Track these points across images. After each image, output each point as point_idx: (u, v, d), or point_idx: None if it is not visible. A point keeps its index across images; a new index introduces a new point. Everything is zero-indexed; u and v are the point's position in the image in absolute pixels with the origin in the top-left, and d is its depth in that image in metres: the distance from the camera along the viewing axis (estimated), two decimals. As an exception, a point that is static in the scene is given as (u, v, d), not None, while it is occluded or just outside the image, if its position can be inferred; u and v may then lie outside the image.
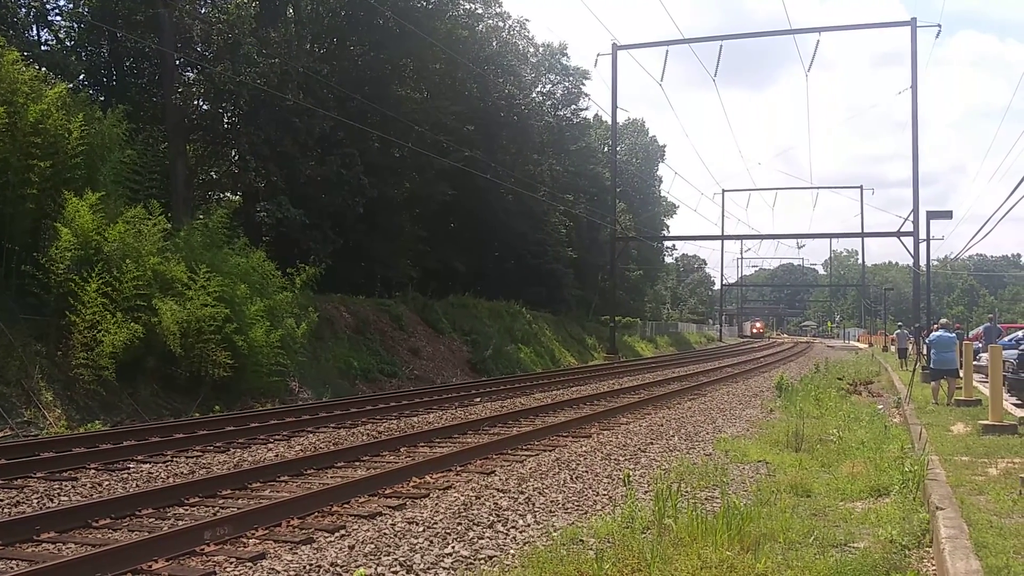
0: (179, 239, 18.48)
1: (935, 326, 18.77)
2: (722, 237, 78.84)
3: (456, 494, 9.06)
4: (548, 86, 53.37)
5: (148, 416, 15.73)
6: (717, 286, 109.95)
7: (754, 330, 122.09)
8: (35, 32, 25.00)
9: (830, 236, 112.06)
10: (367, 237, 30.54)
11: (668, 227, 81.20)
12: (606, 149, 60.31)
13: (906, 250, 38.01)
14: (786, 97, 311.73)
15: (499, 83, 40.71)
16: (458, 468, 10.72)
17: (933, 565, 6.14)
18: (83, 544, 7.09)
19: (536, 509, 8.35)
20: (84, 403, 14.91)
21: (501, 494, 9.00)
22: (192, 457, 11.61)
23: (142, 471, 10.50)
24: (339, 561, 6.46)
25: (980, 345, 23.45)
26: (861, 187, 74.31)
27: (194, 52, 25.68)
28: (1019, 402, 16.98)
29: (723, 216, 78.97)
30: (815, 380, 23.33)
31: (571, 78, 53.29)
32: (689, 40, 40.04)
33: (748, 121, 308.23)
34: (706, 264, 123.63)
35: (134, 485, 9.65)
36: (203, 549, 6.85)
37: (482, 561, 6.54)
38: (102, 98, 24.39)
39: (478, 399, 20.15)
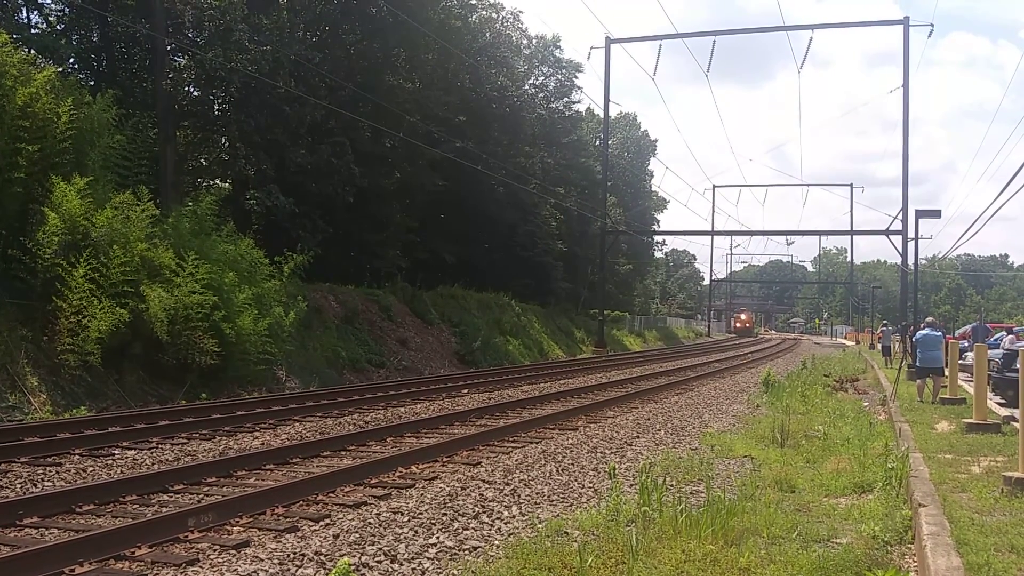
0: (167, 225, 18.38)
1: (922, 324, 18.87)
2: (712, 232, 79.16)
3: (442, 484, 9.06)
4: (541, 78, 53.32)
5: (134, 403, 15.67)
6: (706, 281, 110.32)
7: (739, 324, 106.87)
8: (25, 15, 24.82)
9: (819, 233, 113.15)
10: (357, 226, 30.46)
11: (658, 222, 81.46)
12: (597, 143, 60.30)
13: (894, 248, 38.22)
14: (779, 94, 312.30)
15: (491, 74, 40.62)
16: (444, 459, 10.72)
17: (915, 561, 6.17)
18: (66, 529, 7.07)
19: (521, 501, 8.36)
20: (69, 388, 14.84)
21: (487, 485, 9.01)
22: (177, 444, 11.58)
23: (127, 457, 10.46)
24: (323, 550, 6.46)
25: (967, 344, 23.61)
26: (851, 185, 74.47)
27: (185, 38, 25.53)
28: (1003, 401, 17.08)
29: (713, 211, 79.12)
30: (801, 376, 23.44)
31: (564, 71, 53.21)
32: (683, 35, 40.07)
33: (740, 117, 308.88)
34: (695, 259, 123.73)
35: (118, 471, 9.61)
36: (187, 536, 6.83)
37: (466, 552, 6.55)
38: (92, 82, 24.24)
39: (465, 390, 20.14)
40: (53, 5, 25.62)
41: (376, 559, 6.28)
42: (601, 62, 43.69)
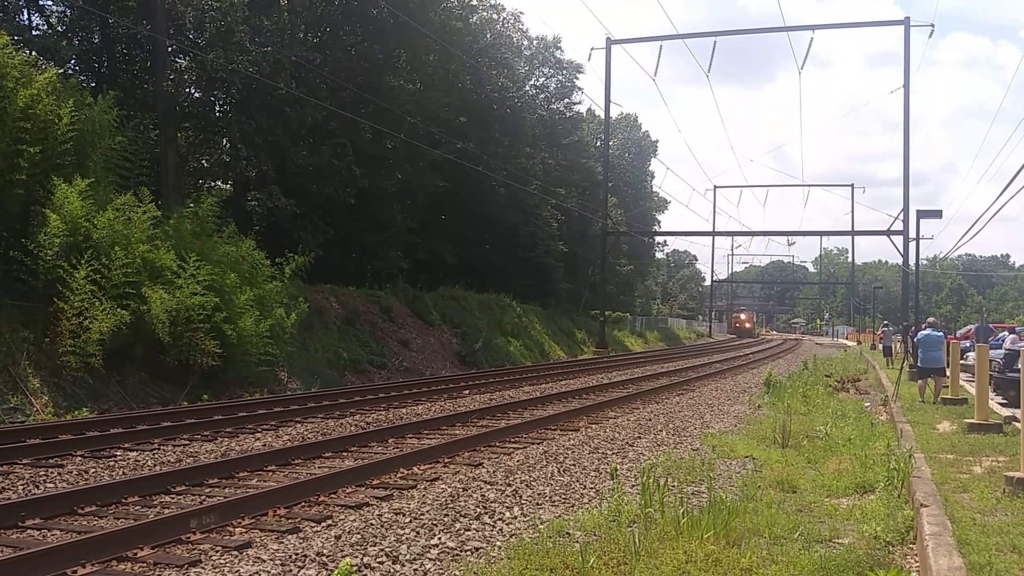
0: (169, 227, 18.39)
1: (923, 325, 18.87)
2: (713, 233, 79.13)
3: (443, 486, 9.07)
4: (541, 79, 53.32)
5: (136, 404, 15.68)
6: (708, 282, 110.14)
7: (738, 324, 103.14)
8: (26, 16, 24.87)
9: (820, 234, 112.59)
10: (358, 227, 30.48)
11: (659, 222, 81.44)
12: (598, 143, 60.32)
13: (896, 249, 38.20)
14: (780, 94, 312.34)
15: (492, 75, 40.63)
16: (446, 460, 10.73)
17: (917, 561, 6.17)
18: (68, 531, 7.07)
19: (523, 501, 8.37)
20: (71, 390, 14.84)
21: (488, 486, 9.01)
22: (179, 445, 11.58)
23: (129, 459, 10.47)
24: (325, 551, 6.46)
25: (969, 344, 23.61)
26: (852, 185, 74.44)
27: (186, 39, 25.55)
28: (1004, 401, 17.08)
29: (714, 212, 79.15)
30: (803, 377, 23.42)
31: (564, 72, 53.22)
32: (683, 36, 40.08)
33: (741, 117, 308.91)
34: (697, 260, 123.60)
35: (120, 473, 9.62)
36: (189, 537, 6.83)
37: (468, 553, 6.55)
38: (93, 84, 24.26)
39: (467, 391, 20.14)
40: (54, 7, 25.69)
41: (378, 560, 6.29)
42: (602, 63, 43.81)
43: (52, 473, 9.43)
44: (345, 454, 11.15)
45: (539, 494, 8.71)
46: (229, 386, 18.17)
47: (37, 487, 8.78)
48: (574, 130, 55.38)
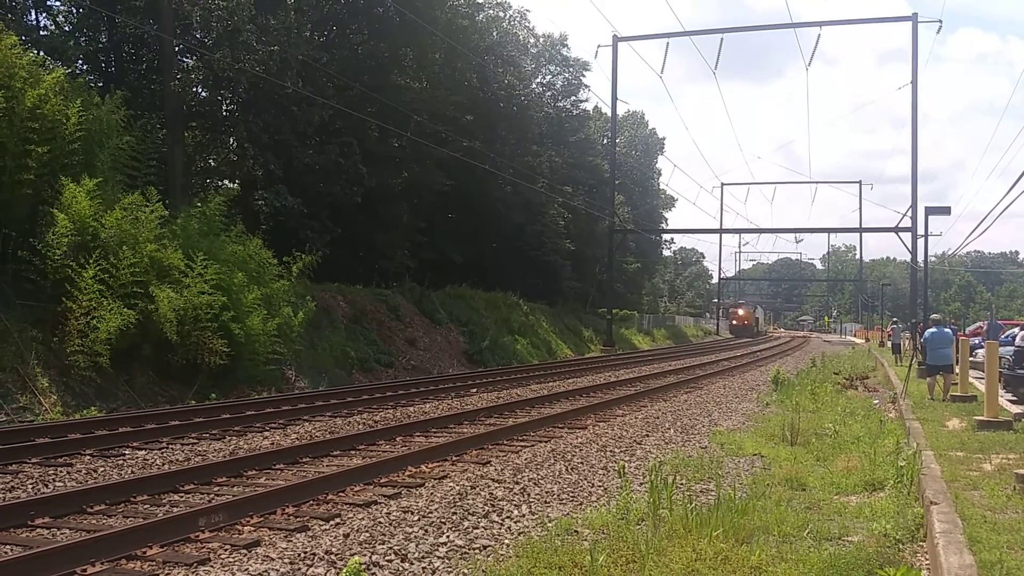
0: (176, 226, 18.43)
1: (930, 322, 18.80)
2: (720, 231, 78.97)
3: (451, 484, 9.07)
4: (548, 77, 53.21)
5: (144, 403, 15.72)
6: (715, 279, 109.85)
7: (735, 321, 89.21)
8: (34, 16, 24.93)
9: (828, 231, 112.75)
10: (365, 226, 30.48)
11: (667, 220, 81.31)
12: (605, 141, 60.19)
13: (904, 246, 38.08)
14: (787, 91, 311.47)
15: (499, 73, 40.58)
16: (454, 458, 10.72)
17: (927, 559, 6.15)
18: (77, 530, 7.09)
19: (531, 500, 8.36)
20: (80, 389, 14.89)
21: (496, 484, 9.01)
22: (188, 444, 11.61)
23: (137, 458, 10.50)
24: (334, 549, 6.47)
25: (979, 341, 23.52)
26: (860, 182, 74.49)
27: (193, 38, 25.58)
28: (1014, 398, 17.00)
29: (722, 209, 79.01)
30: (811, 374, 23.36)
31: (571, 69, 53.11)
32: (690, 32, 40.02)
33: (748, 114, 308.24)
34: (704, 257, 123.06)
35: (129, 471, 9.65)
36: (198, 536, 6.84)
37: (477, 551, 6.55)
38: (100, 84, 24.32)
39: (474, 390, 20.15)
40: (61, 7, 25.74)
41: (387, 558, 6.29)
42: (608, 61, 43.59)
43: (61, 472, 9.46)
44: (353, 452, 11.16)
45: (547, 492, 8.70)
46: (237, 385, 18.20)
47: (46, 486, 8.80)
48: (581, 128, 55.28)
